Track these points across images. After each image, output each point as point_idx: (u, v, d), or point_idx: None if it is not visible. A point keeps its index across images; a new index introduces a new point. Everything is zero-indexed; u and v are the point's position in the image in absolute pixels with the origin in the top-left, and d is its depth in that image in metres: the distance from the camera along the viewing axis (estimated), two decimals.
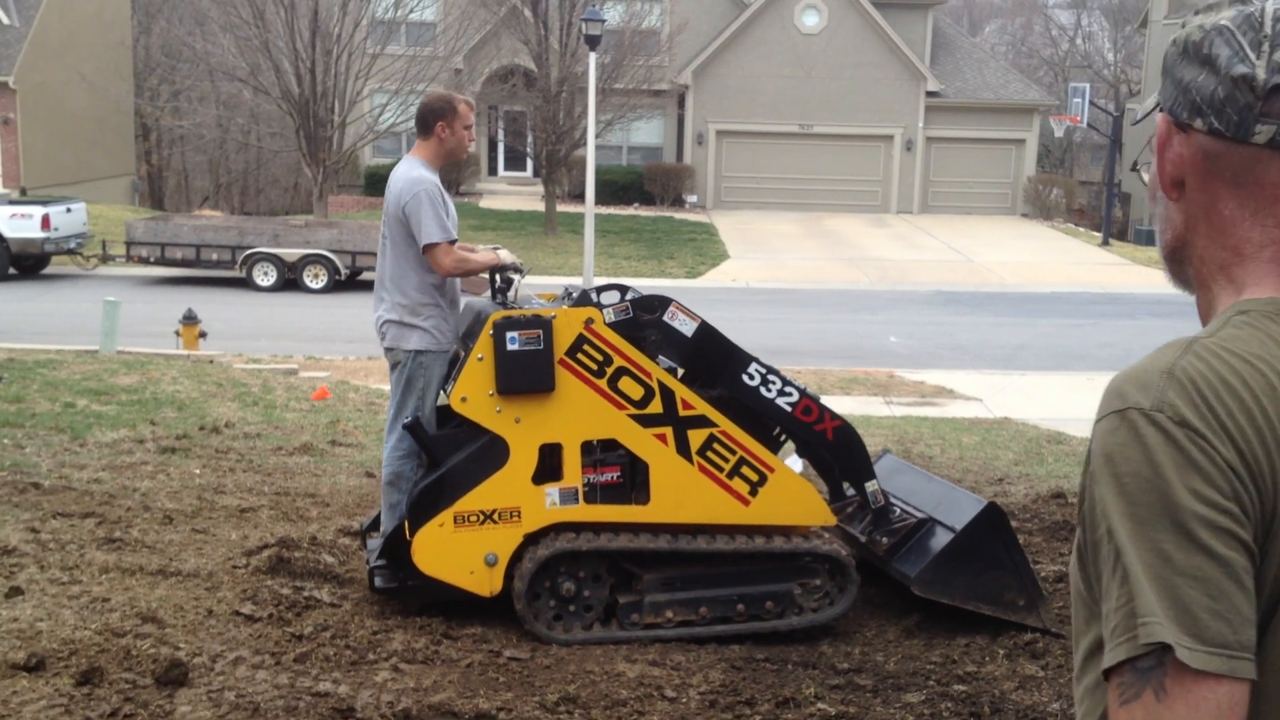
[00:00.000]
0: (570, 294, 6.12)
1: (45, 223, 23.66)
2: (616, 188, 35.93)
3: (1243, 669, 1.28)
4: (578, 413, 5.56)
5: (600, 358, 5.54)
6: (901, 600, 6.15)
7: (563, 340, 5.51)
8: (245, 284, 23.85)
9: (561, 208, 32.66)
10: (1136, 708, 1.29)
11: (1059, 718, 4.86)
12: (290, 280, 23.74)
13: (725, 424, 5.65)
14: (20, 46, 34.72)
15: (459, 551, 5.53)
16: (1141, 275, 29.18)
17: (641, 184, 36.15)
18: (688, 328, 5.75)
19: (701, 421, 5.62)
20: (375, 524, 6.28)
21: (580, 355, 5.53)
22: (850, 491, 6.03)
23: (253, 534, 6.73)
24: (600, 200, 36.01)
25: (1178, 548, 1.29)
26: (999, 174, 37.76)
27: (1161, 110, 1.52)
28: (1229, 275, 1.48)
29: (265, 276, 23.90)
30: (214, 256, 23.89)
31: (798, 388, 5.82)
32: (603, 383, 5.54)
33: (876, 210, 36.94)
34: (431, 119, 6.04)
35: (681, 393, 5.62)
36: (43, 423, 9.10)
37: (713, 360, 5.84)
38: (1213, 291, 1.50)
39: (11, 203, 25.11)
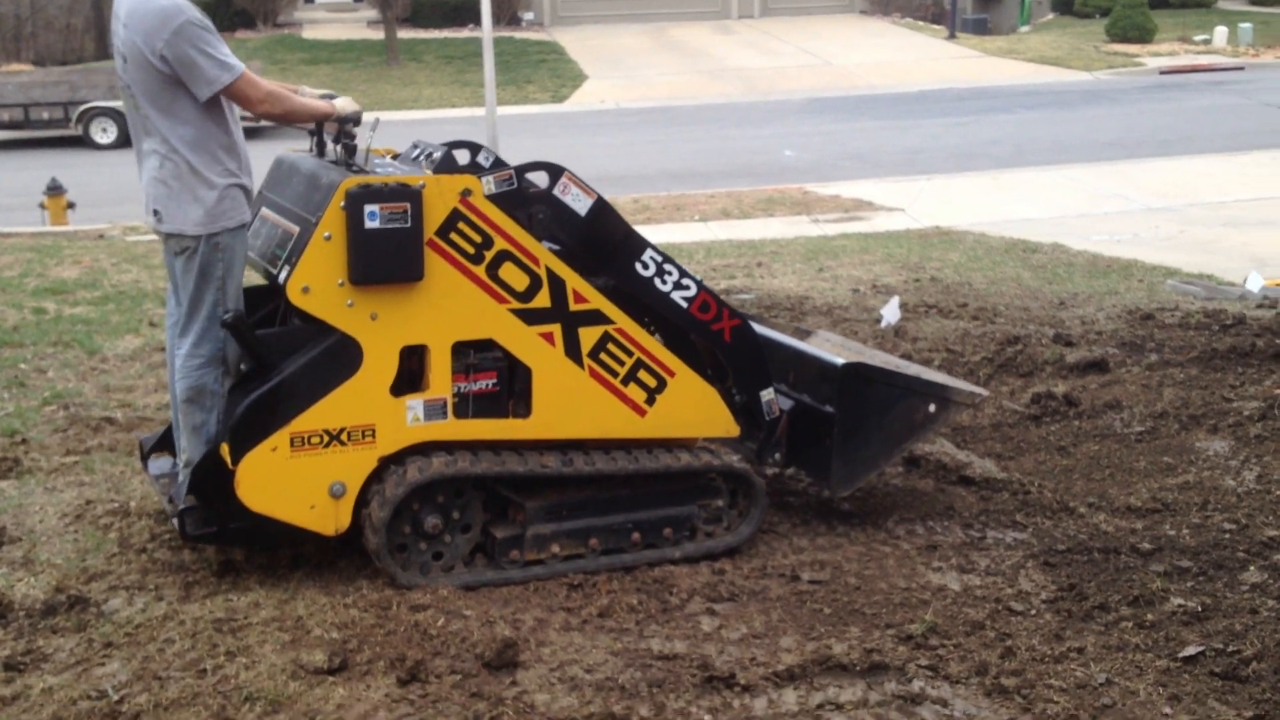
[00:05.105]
0: (428, 153, 4.88)
1: None
2: (448, 9, 34.10)
3: None
4: (449, 307, 4.50)
5: (479, 239, 4.48)
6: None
7: (434, 216, 4.40)
8: (83, 142, 21.92)
9: (400, 34, 30.83)
10: None
11: None
12: None
13: (623, 320, 4.77)
14: None
15: (297, 481, 4.40)
16: (997, 66, 29.16)
17: (475, 3, 34.26)
18: (581, 204, 4.72)
19: (595, 318, 4.71)
20: (161, 443, 5.10)
21: (454, 235, 4.44)
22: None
23: None
24: (429, 23, 34.15)
25: None
26: None
27: None
28: None
29: (104, 133, 22.02)
30: (45, 115, 21.89)
31: (695, 280, 4.95)
32: (480, 270, 4.49)
33: (718, 16, 36.05)
34: None
35: (574, 283, 4.66)
36: (36, 337, 7.95)
37: (605, 245, 4.82)
38: None
39: None
